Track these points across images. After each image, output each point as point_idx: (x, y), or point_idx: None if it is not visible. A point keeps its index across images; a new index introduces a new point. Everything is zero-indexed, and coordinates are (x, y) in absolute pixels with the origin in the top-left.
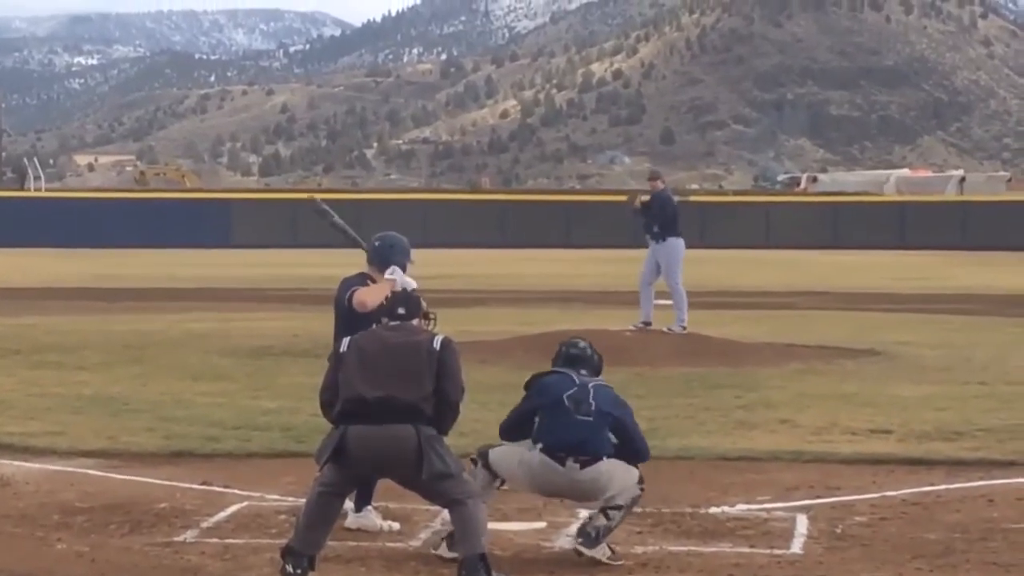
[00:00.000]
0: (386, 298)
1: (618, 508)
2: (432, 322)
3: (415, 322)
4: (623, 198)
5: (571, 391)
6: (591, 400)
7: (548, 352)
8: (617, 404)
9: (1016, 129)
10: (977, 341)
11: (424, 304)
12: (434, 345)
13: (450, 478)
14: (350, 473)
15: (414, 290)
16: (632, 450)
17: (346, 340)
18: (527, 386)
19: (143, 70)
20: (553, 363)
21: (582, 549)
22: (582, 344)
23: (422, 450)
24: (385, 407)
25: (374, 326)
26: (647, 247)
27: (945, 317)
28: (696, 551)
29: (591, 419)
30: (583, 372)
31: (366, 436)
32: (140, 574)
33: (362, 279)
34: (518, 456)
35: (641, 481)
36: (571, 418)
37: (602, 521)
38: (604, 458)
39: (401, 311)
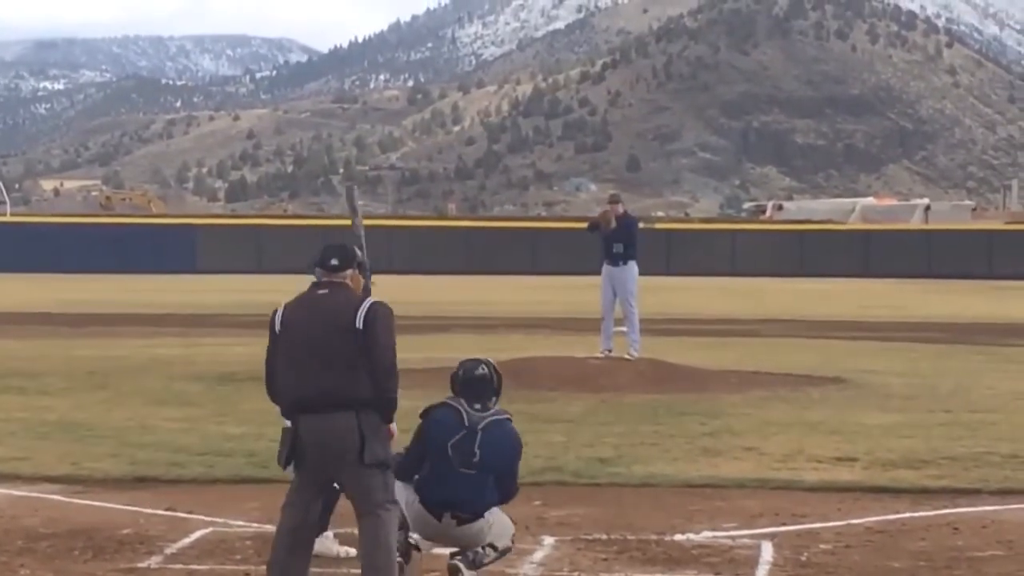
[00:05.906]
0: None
1: (495, 548)
2: (367, 274)
3: (348, 273)
4: (583, 225)
5: (456, 437)
6: (476, 449)
7: (515, 378)
8: (508, 450)
9: (981, 158)
10: (942, 369)
11: (360, 253)
12: (358, 324)
13: (386, 468)
14: (311, 473)
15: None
16: (504, 492)
17: (278, 315)
18: (422, 416)
19: (109, 95)
20: (451, 386)
21: (460, 565)
22: (482, 369)
23: (363, 437)
24: (325, 400)
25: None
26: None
27: (910, 345)
28: None
29: (473, 473)
30: (477, 407)
31: (313, 427)
32: None
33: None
34: (404, 497)
35: (513, 540)
36: (452, 471)
37: (480, 552)
38: (484, 515)
39: (335, 262)
